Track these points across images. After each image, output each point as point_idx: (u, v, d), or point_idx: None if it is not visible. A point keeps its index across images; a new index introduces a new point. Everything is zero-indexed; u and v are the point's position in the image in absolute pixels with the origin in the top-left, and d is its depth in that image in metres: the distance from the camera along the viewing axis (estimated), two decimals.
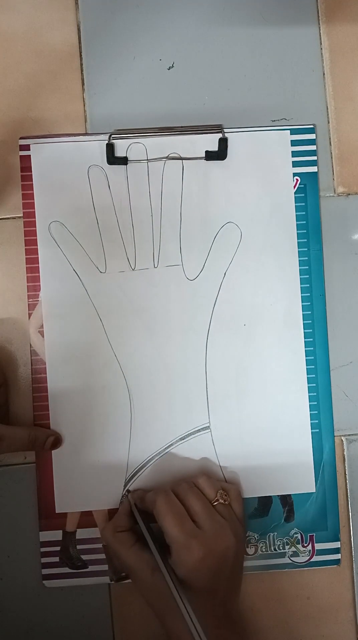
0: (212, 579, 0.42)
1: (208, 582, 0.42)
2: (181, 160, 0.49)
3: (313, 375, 0.49)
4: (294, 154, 0.50)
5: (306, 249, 0.50)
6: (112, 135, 0.49)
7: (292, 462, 0.49)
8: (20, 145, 0.49)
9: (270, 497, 0.49)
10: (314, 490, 0.49)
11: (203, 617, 0.40)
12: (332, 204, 0.50)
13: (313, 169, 0.50)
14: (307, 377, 0.49)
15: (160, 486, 0.47)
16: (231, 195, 0.49)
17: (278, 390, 0.49)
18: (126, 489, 0.48)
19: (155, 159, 0.49)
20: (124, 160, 0.49)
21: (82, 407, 0.49)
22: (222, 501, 0.45)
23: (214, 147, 0.49)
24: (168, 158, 0.49)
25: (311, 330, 0.49)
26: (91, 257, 0.49)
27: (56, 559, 0.48)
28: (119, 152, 0.49)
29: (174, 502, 0.44)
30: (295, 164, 0.50)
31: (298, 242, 0.49)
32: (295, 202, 0.49)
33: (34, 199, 0.49)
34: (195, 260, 0.49)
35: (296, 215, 0.49)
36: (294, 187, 0.50)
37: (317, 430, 0.49)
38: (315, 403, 0.49)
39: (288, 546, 0.49)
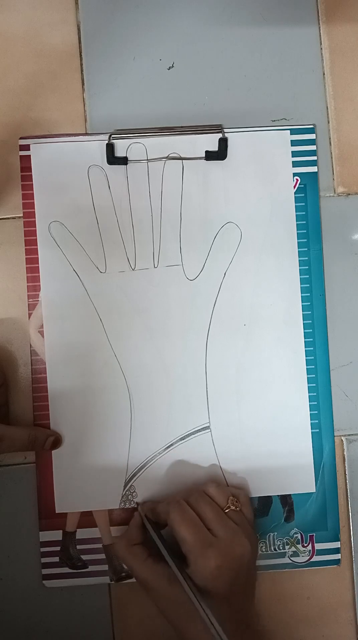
0: (230, 586, 0.42)
1: (226, 589, 0.42)
2: (181, 160, 0.49)
3: (313, 375, 0.49)
4: (294, 154, 0.50)
5: (306, 249, 0.50)
6: (112, 136, 0.49)
7: (292, 462, 0.49)
8: (20, 145, 0.49)
9: (270, 497, 0.49)
10: (314, 490, 0.49)
11: (223, 624, 0.40)
12: (332, 204, 0.50)
13: (313, 169, 0.50)
14: (307, 377, 0.49)
15: (171, 496, 0.47)
16: (231, 195, 0.49)
17: (278, 390, 0.49)
18: (135, 501, 0.48)
19: (155, 159, 0.49)
20: (124, 161, 0.49)
21: (82, 407, 0.49)
22: (233, 507, 0.45)
23: (214, 147, 0.49)
24: (168, 158, 0.49)
25: (311, 330, 0.49)
26: (91, 257, 0.49)
27: (56, 559, 0.48)
28: (119, 152, 0.49)
29: (188, 512, 0.44)
30: (295, 164, 0.50)
31: (298, 242, 0.49)
32: (295, 202, 0.49)
33: (34, 199, 0.49)
34: (195, 260, 0.49)
35: (296, 215, 0.49)
36: (294, 187, 0.50)
37: (317, 430, 0.49)
38: (315, 403, 0.49)
39: (288, 546, 0.49)
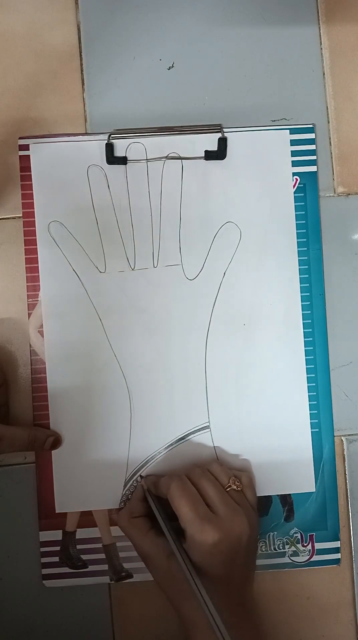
0: (226, 565, 0.42)
1: (223, 567, 0.42)
2: (180, 160, 0.49)
3: (313, 375, 0.49)
4: (293, 153, 0.50)
5: (305, 249, 0.50)
6: (112, 135, 0.49)
7: (292, 462, 0.49)
8: (19, 145, 0.49)
9: (269, 496, 0.49)
10: (314, 490, 0.49)
11: (218, 605, 0.40)
12: (331, 204, 0.50)
13: (313, 168, 0.50)
14: (307, 377, 0.49)
15: (174, 471, 0.47)
16: (231, 194, 0.49)
17: (278, 390, 0.49)
18: (138, 474, 0.48)
19: (154, 158, 0.49)
20: (123, 160, 0.49)
21: (82, 407, 0.49)
22: (235, 487, 0.45)
23: (213, 146, 0.49)
24: (168, 158, 0.49)
25: (310, 330, 0.49)
26: (91, 257, 0.49)
27: (56, 559, 0.48)
28: (119, 152, 0.49)
29: (188, 487, 0.44)
30: (295, 164, 0.50)
31: (297, 242, 0.49)
32: (295, 202, 0.49)
33: (33, 199, 0.49)
34: (195, 260, 0.49)
35: (295, 214, 0.49)
36: (293, 186, 0.50)
37: (317, 429, 0.49)
38: (315, 403, 0.49)
39: (288, 546, 0.49)
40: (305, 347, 0.49)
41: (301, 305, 0.49)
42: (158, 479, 0.46)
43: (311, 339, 0.49)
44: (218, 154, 0.49)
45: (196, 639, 0.42)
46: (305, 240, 0.50)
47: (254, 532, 0.44)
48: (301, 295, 0.49)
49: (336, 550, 0.49)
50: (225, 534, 0.42)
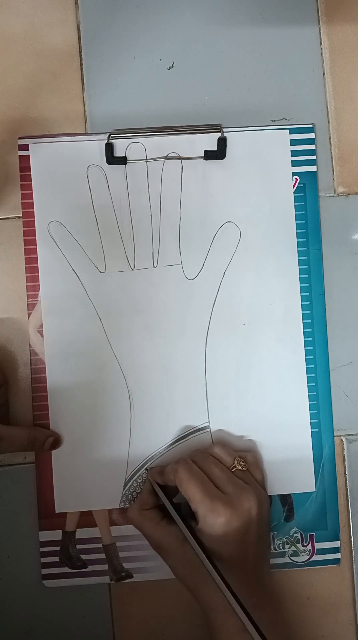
0: (240, 543, 0.42)
1: (237, 546, 0.42)
2: (180, 160, 0.49)
3: (313, 375, 0.49)
4: (293, 153, 0.50)
5: (305, 249, 0.50)
6: (111, 135, 0.49)
7: (292, 462, 0.49)
8: (19, 145, 0.49)
9: (269, 496, 0.49)
10: (314, 490, 0.49)
11: (236, 586, 0.40)
12: (331, 204, 0.50)
13: (313, 168, 0.50)
14: (307, 377, 0.49)
15: (178, 458, 0.47)
16: (230, 194, 0.49)
17: (278, 390, 0.49)
18: (145, 467, 0.48)
19: (154, 158, 0.49)
20: (123, 160, 0.49)
21: (82, 407, 0.49)
22: (240, 467, 0.45)
23: (213, 146, 0.49)
24: (167, 158, 0.49)
25: (310, 330, 0.49)
26: (90, 257, 0.49)
27: (56, 559, 0.48)
28: (118, 152, 0.49)
29: (194, 469, 0.44)
30: (294, 164, 0.50)
31: (297, 242, 0.49)
32: (295, 202, 0.49)
33: (33, 199, 0.49)
34: (194, 259, 0.49)
35: (295, 214, 0.49)
36: (293, 186, 0.50)
37: (317, 429, 0.49)
38: (315, 402, 0.49)
39: (288, 546, 0.49)
40: (304, 347, 0.49)
41: (301, 305, 0.49)
42: (163, 468, 0.46)
43: (311, 338, 0.49)
44: (218, 153, 0.49)
45: (218, 623, 0.42)
46: (304, 240, 0.50)
47: (264, 509, 0.44)
48: (301, 295, 0.49)
49: (336, 550, 0.49)
50: (235, 511, 0.42)
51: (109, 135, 0.49)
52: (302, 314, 0.49)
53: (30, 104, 0.50)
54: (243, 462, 0.46)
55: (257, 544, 0.43)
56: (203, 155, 0.49)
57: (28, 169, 0.49)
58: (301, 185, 0.50)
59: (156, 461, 0.49)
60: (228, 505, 0.42)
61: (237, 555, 0.42)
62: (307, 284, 0.49)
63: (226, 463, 0.45)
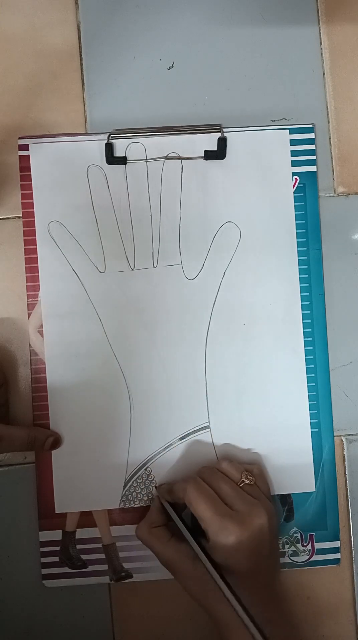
0: (252, 560, 0.42)
1: (249, 563, 0.42)
2: (180, 160, 0.49)
3: (313, 375, 0.49)
4: (293, 153, 0.50)
5: (305, 249, 0.50)
6: (112, 135, 0.49)
7: (292, 462, 0.49)
8: (19, 145, 0.49)
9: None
10: (314, 490, 0.49)
11: (249, 602, 0.40)
12: (331, 204, 0.50)
13: (313, 168, 0.50)
14: (307, 377, 0.49)
15: (187, 475, 0.47)
16: (230, 194, 0.49)
17: (278, 390, 0.49)
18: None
19: (154, 158, 0.49)
20: (123, 160, 0.49)
21: (81, 407, 0.49)
22: (248, 481, 0.45)
23: (213, 146, 0.49)
24: (167, 158, 0.49)
25: (310, 330, 0.49)
26: (90, 257, 0.49)
27: (56, 559, 0.48)
28: (118, 152, 0.49)
29: (204, 487, 0.44)
30: (294, 164, 0.50)
31: (297, 242, 0.49)
32: (295, 202, 0.49)
33: (33, 199, 0.49)
34: (194, 259, 0.49)
35: (295, 214, 0.49)
36: (293, 186, 0.50)
37: (317, 429, 0.49)
38: (315, 403, 0.49)
39: (288, 546, 0.49)
40: (304, 347, 0.49)
41: (301, 305, 0.49)
42: (172, 486, 0.46)
43: (311, 338, 0.49)
44: (218, 153, 0.49)
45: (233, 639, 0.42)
46: (304, 240, 0.50)
47: (274, 522, 0.44)
48: (301, 295, 0.49)
49: (336, 550, 0.49)
50: (246, 529, 0.42)
51: (109, 135, 0.49)
52: (302, 314, 0.49)
53: (31, 104, 0.50)
54: (250, 476, 0.45)
55: (269, 558, 0.43)
56: (203, 155, 0.49)
57: (28, 169, 0.49)
58: (301, 185, 0.50)
59: (157, 460, 0.49)
60: (239, 523, 0.42)
61: (249, 571, 0.42)
62: (307, 284, 0.49)
63: (234, 478, 0.45)
